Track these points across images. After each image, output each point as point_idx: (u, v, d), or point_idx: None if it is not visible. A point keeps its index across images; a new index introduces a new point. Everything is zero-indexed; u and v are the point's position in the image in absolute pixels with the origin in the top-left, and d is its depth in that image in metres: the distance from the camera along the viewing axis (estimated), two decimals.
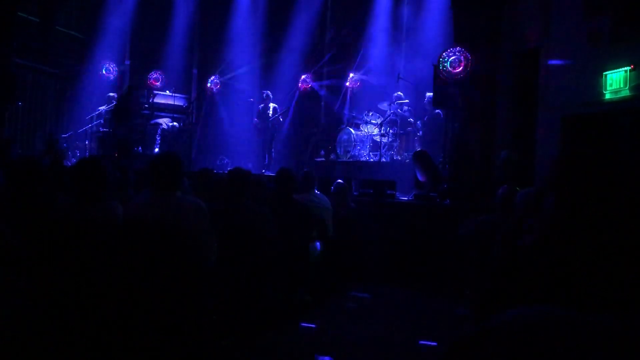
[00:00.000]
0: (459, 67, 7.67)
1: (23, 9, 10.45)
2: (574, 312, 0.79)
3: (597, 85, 6.12)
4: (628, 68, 5.79)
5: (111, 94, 11.73)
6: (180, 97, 12.27)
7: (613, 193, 0.84)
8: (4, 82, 8.88)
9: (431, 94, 9.91)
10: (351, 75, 12.30)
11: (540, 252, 0.93)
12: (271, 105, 11.74)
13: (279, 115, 11.68)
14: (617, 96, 5.91)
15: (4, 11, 9.02)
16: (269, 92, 11.95)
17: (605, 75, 6.02)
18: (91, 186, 3.29)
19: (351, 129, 10.82)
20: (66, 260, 3.03)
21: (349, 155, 10.61)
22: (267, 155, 11.64)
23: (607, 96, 6.02)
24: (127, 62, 13.37)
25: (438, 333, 4.88)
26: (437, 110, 9.83)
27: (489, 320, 0.83)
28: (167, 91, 12.18)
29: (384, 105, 11.04)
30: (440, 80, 7.95)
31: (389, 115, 10.56)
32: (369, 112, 11.06)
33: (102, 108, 11.55)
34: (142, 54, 13.28)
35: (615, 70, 5.91)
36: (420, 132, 10.46)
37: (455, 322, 5.08)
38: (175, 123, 11.81)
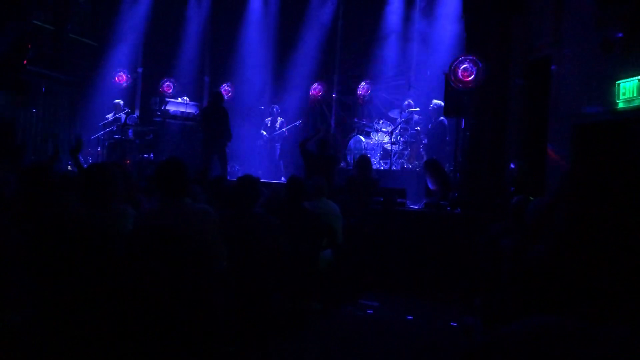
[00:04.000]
0: (470, 75, 7.65)
1: (38, 17, 10.58)
2: (584, 323, 0.78)
3: (609, 94, 6.08)
4: None
5: (118, 101, 11.83)
6: (192, 105, 12.36)
7: (625, 203, 0.83)
8: (18, 89, 8.99)
9: (437, 101, 9.99)
10: (362, 83, 12.34)
11: (551, 262, 0.92)
12: (278, 119, 12.23)
13: (285, 130, 11.99)
14: (630, 105, 5.85)
15: (19, 20, 9.14)
16: (276, 106, 12.45)
17: (618, 84, 5.97)
18: (100, 191, 3.31)
19: (362, 137, 10.82)
20: (76, 265, 3.04)
21: None
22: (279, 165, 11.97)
23: (620, 105, 5.97)
24: (140, 70, 13.49)
25: (446, 342, 4.85)
26: (440, 118, 9.87)
27: (498, 330, 0.83)
28: (180, 98, 12.28)
29: (394, 113, 11.05)
30: (452, 89, 7.93)
31: (400, 124, 10.56)
32: (379, 120, 11.07)
33: (109, 116, 11.64)
34: (155, 61, 13.40)
35: (629, 79, 5.86)
36: (425, 140, 10.46)
37: (464, 332, 5.04)
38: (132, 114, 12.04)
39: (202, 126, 10.00)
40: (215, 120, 9.62)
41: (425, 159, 9.98)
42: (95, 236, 3.10)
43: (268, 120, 12.36)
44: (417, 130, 10.50)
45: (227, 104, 10.59)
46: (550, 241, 0.94)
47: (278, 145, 12.16)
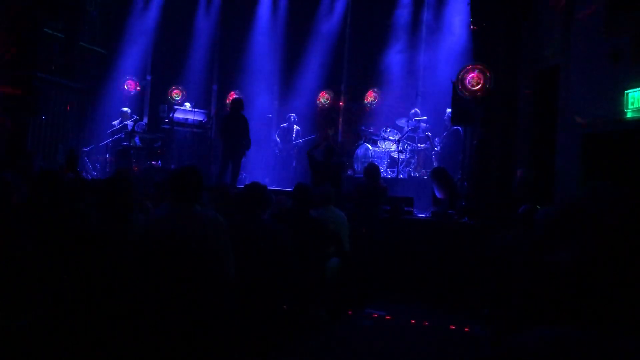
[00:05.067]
0: (478, 84, 7.65)
1: (49, 25, 10.69)
2: (598, 334, 0.78)
3: (618, 103, 6.05)
4: None
5: (125, 109, 11.90)
6: (200, 112, 12.42)
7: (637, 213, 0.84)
8: (29, 96, 9.08)
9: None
10: (369, 91, 12.36)
11: (579, 272, 0.91)
12: (295, 127, 12.19)
13: (301, 141, 12.07)
14: (639, 115, 5.83)
15: (31, 28, 9.24)
16: (294, 114, 12.34)
17: (627, 93, 5.95)
18: (118, 203, 3.37)
19: (369, 145, 10.82)
20: (88, 272, 3.06)
21: None
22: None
23: (629, 115, 5.94)
24: (149, 78, 13.58)
25: (454, 352, 4.83)
26: (455, 127, 9.80)
27: (509, 340, 0.83)
28: (187, 105, 12.35)
29: (401, 122, 11.05)
30: (459, 97, 7.93)
31: (407, 132, 10.56)
32: (386, 128, 11.07)
33: (116, 122, 11.71)
34: (163, 69, 13.49)
35: (637, 89, 5.84)
36: (438, 148, 10.42)
37: (473, 342, 5.02)
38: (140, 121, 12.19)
39: (222, 133, 9.97)
40: (235, 128, 9.63)
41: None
42: (109, 243, 3.12)
43: (284, 125, 12.36)
44: (427, 135, 10.45)
45: None
46: (577, 251, 0.94)
47: (293, 154, 12.11)
